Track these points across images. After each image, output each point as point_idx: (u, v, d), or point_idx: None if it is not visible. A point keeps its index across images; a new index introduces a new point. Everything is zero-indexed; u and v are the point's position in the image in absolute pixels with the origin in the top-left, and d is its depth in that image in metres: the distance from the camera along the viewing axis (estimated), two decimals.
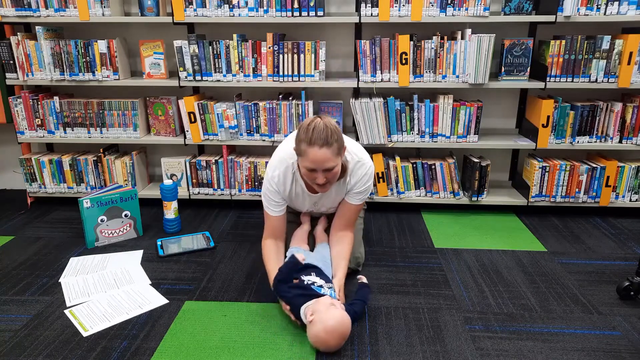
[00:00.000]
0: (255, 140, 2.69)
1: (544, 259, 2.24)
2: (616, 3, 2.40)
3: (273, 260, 1.91)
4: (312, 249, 2.04)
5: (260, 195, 2.75)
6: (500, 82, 2.55)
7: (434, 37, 2.48)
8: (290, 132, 2.61)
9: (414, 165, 2.66)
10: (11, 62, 2.67)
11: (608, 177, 2.61)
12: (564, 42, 2.45)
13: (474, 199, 2.70)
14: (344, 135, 1.84)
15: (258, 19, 2.49)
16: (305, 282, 1.72)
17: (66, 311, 1.84)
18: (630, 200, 2.68)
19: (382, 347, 1.63)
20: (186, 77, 2.61)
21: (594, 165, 2.62)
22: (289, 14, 2.47)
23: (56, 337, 1.69)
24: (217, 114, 2.66)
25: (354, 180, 1.94)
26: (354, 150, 1.94)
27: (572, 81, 2.51)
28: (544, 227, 2.59)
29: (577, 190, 2.65)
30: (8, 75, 2.69)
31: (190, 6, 2.49)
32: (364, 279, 1.89)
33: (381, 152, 2.67)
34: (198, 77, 2.61)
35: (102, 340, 1.67)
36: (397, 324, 1.75)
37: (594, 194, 2.66)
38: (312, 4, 2.45)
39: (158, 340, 1.67)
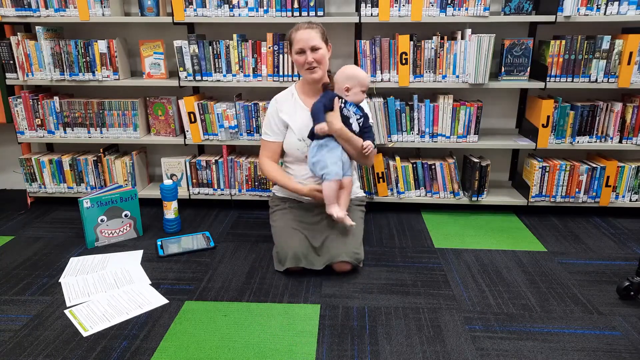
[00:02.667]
0: (255, 140, 2.69)
1: (544, 259, 2.24)
2: (616, 3, 2.40)
3: (279, 172, 2.21)
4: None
5: (260, 195, 2.77)
6: (500, 82, 2.55)
7: (434, 37, 2.48)
8: None
9: (414, 165, 2.66)
10: (11, 62, 2.67)
11: (608, 177, 2.61)
12: (564, 42, 2.45)
13: (474, 199, 2.70)
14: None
15: (258, 19, 2.49)
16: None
17: (66, 311, 1.84)
18: (630, 200, 2.68)
19: (382, 347, 1.63)
20: (186, 77, 2.61)
21: (594, 165, 2.62)
22: (289, 14, 2.47)
23: (56, 337, 1.69)
24: (217, 114, 2.66)
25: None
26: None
27: (572, 81, 2.51)
28: (544, 227, 2.59)
29: (577, 190, 2.65)
30: (8, 75, 2.69)
31: (190, 6, 2.49)
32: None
33: (381, 152, 2.67)
34: (198, 77, 2.61)
35: (102, 340, 1.67)
36: (397, 324, 1.75)
37: (594, 194, 2.66)
38: (312, 4, 2.45)
39: (158, 340, 1.67)
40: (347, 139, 2.07)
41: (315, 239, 2.08)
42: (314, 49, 2.03)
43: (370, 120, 2.18)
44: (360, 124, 2.11)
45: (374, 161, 2.28)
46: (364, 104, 2.18)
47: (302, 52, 2.05)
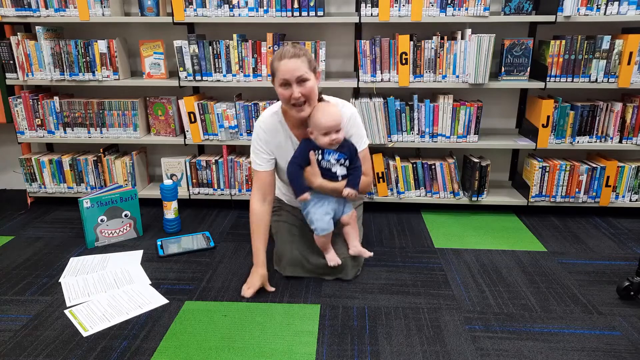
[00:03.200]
0: None
1: (544, 259, 2.24)
2: (616, 3, 2.40)
3: (261, 234, 1.97)
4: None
5: None
6: (500, 82, 2.55)
7: (434, 37, 2.48)
8: None
9: (414, 165, 2.66)
10: (11, 62, 2.67)
11: (608, 177, 2.61)
12: (564, 42, 2.45)
13: (474, 199, 2.70)
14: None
15: (258, 19, 2.49)
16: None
17: (66, 311, 1.84)
18: (630, 200, 2.68)
19: (382, 347, 1.63)
20: (186, 77, 2.61)
21: (594, 165, 2.62)
22: (289, 14, 2.47)
23: (56, 337, 1.69)
24: (217, 114, 2.66)
25: (347, 116, 1.92)
26: (335, 99, 1.97)
27: (572, 81, 2.51)
28: (544, 227, 2.59)
29: (577, 190, 2.65)
30: (8, 75, 2.69)
31: (190, 6, 2.49)
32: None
33: (381, 152, 2.67)
34: (198, 77, 2.61)
35: (102, 340, 1.67)
36: (397, 324, 1.75)
37: (594, 194, 2.66)
38: (312, 4, 2.45)
39: (158, 340, 1.67)
40: (330, 192, 1.93)
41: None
42: (300, 81, 1.76)
43: (364, 145, 1.99)
44: (347, 165, 1.93)
45: (370, 189, 2.12)
46: (354, 125, 1.95)
47: (286, 84, 1.77)
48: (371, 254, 2.00)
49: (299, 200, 1.92)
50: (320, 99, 1.90)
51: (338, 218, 2.01)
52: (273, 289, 1.96)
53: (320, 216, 1.94)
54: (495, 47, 2.49)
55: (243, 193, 2.78)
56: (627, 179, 2.63)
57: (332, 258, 1.99)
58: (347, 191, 1.91)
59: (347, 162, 1.93)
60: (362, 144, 1.98)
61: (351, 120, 1.94)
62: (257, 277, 1.95)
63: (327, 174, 1.92)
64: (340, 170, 1.93)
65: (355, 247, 2.00)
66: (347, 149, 1.92)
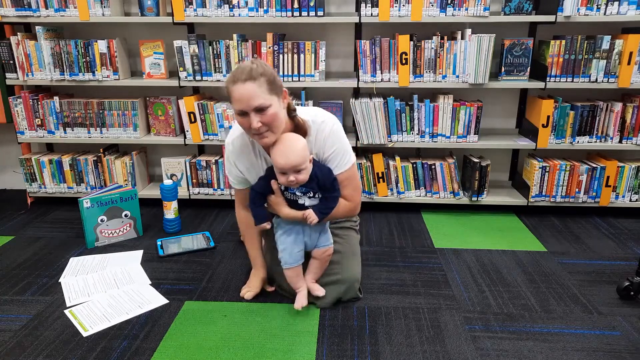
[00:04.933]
0: None
1: (544, 259, 2.24)
2: (616, 3, 2.40)
3: (254, 238, 1.91)
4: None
5: None
6: (500, 82, 2.55)
7: (434, 37, 2.48)
8: None
9: (414, 165, 2.66)
10: (11, 62, 2.67)
11: (608, 177, 2.61)
12: (564, 42, 2.45)
13: (474, 199, 2.70)
14: (316, 108, 1.76)
15: (258, 19, 2.49)
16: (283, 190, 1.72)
17: (66, 311, 1.84)
18: (630, 200, 2.68)
19: (382, 347, 1.63)
20: (186, 77, 2.61)
21: (594, 165, 2.62)
22: (289, 14, 2.47)
23: (56, 337, 1.69)
24: (217, 114, 2.65)
25: (323, 135, 1.68)
26: (313, 112, 1.73)
27: (572, 81, 2.51)
28: (544, 227, 2.59)
29: (577, 190, 2.65)
30: (8, 75, 2.69)
31: (190, 6, 2.49)
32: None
33: (381, 152, 2.67)
34: (198, 77, 2.61)
35: (102, 340, 1.67)
36: (397, 324, 1.75)
37: (594, 194, 2.66)
38: (312, 4, 2.45)
39: (158, 340, 1.67)
40: (300, 221, 1.72)
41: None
42: (259, 110, 1.52)
43: (345, 168, 1.72)
44: (318, 197, 1.71)
45: (353, 214, 1.85)
46: (334, 144, 1.70)
47: (243, 113, 1.54)
48: (322, 293, 1.81)
49: (259, 228, 1.79)
50: (292, 116, 1.68)
51: (311, 249, 1.81)
52: (273, 289, 1.96)
53: (288, 246, 1.76)
54: (495, 47, 2.49)
55: None
56: (627, 179, 2.63)
57: (300, 299, 1.79)
58: (307, 213, 1.68)
59: (317, 195, 1.71)
60: (343, 165, 1.72)
61: (330, 138, 1.69)
62: (256, 280, 1.94)
63: (294, 205, 1.72)
64: (308, 202, 1.71)
65: (310, 281, 1.83)
66: (314, 183, 1.67)
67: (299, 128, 1.69)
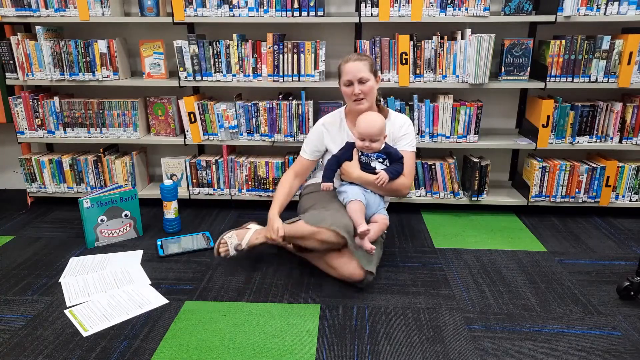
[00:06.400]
0: (255, 140, 2.69)
1: (544, 259, 2.24)
2: (616, 3, 2.40)
3: (281, 190, 2.16)
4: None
5: (260, 195, 2.78)
6: (500, 82, 2.55)
7: (434, 37, 2.48)
8: (290, 132, 2.64)
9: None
10: (11, 62, 2.67)
11: (608, 177, 2.61)
12: (564, 42, 2.45)
13: (474, 199, 2.70)
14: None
15: (258, 19, 2.49)
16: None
17: (66, 311, 1.84)
18: (630, 200, 2.68)
19: (382, 347, 1.63)
20: (186, 77, 2.61)
21: (594, 165, 2.62)
22: (289, 14, 2.47)
23: (56, 337, 1.69)
24: (217, 114, 2.66)
25: (399, 123, 2.14)
26: (396, 113, 2.22)
27: (572, 81, 2.51)
28: (544, 227, 2.59)
29: (577, 190, 2.65)
30: (8, 75, 2.69)
31: (190, 6, 2.49)
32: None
33: None
34: (198, 77, 2.61)
35: (102, 340, 1.67)
36: (397, 324, 1.75)
37: (594, 194, 2.66)
38: (312, 4, 2.45)
39: (158, 340, 1.67)
40: (367, 184, 2.04)
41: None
42: (361, 81, 2.02)
43: (411, 149, 2.12)
44: (387, 164, 2.05)
45: (407, 192, 2.16)
46: (406, 132, 2.12)
47: (350, 83, 2.04)
48: (374, 250, 1.93)
49: (322, 188, 2.07)
50: (377, 103, 2.16)
51: (370, 216, 2.03)
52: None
53: (351, 190, 2.02)
54: (495, 47, 2.49)
55: (243, 193, 2.78)
56: (627, 179, 2.63)
57: (363, 227, 1.90)
58: (379, 174, 2.00)
59: (386, 162, 2.05)
60: (410, 146, 2.13)
61: (404, 125, 2.14)
62: (276, 221, 2.01)
63: (367, 167, 2.04)
64: (379, 166, 2.04)
65: (368, 237, 1.94)
66: (384, 152, 2.04)
67: (382, 111, 2.16)
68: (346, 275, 1.96)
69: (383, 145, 2.04)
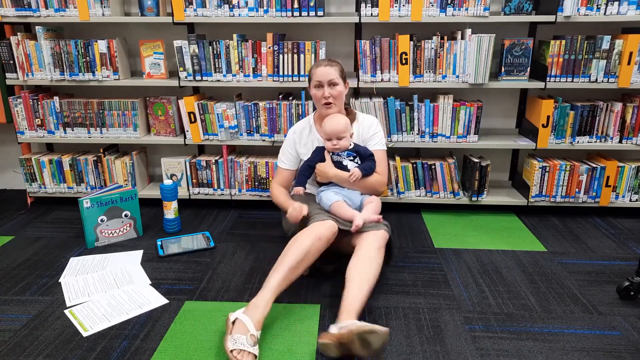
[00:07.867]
0: (255, 140, 2.69)
1: (544, 259, 2.24)
2: (616, 3, 2.40)
3: (282, 196, 2.19)
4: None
5: (260, 195, 2.78)
6: (500, 82, 2.55)
7: (434, 37, 2.48)
8: None
9: (414, 165, 2.66)
10: (11, 62, 2.67)
11: (608, 177, 2.61)
12: (564, 42, 2.45)
13: (474, 199, 2.70)
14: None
15: (258, 19, 2.49)
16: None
17: (66, 311, 1.84)
18: (630, 200, 2.68)
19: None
20: (186, 77, 2.61)
21: (594, 165, 2.62)
22: (289, 14, 2.47)
23: (56, 337, 1.69)
24: (217, 114, 2.66)
25: (367, 124, 2.19)
26: (363, 114, 2.27)
27: (572, 81, 2.51)
28: (544, 227, 2.59)
29: (577, 190, 2.65)
30: (8, 75, 2.69)
31: (190, 6, 2.49)
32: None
33: None
34: (198, 77, 2.61)
35: (102, 340, 1.67)
36: (397, 324, 1.75)
37: (594, 194, 2.66)
38: (312, 4, 2.45)
39: (158, 340, 1.67)
40: (344, 181, 2.08)
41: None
42: (331, 84, 2.07)
43: (382, 147, 2.17)
44: (358, 162, 2.11)
45: (383, 189, 2.21)
46: (374, 132, 2.18)
47: (319, 86, 2.08)
48: (379, 217, 1.95)
49: (294, 192, 2.13)
50: (346, 107, 2.21)
51: (358, 206, 2.06)
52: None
53: (326, 195, 2.05)
54: (495, 47, 2.49)
55: (243, 193, 2.78)
56: (627, 179, 2.63)
57: (356, 219, 1.91)
58: (353, 169, 2.05)
59: (357, 160, 2.11)
60: (380, 145, 2.18)
61: (373, 125, 2.20)
62: (294, 203, 2.02)
63: (339, 166, 2.09)
64: (350, 164, 2.09)
65: (366, 215, 1.96)
66: (354, 151, 2.11)
67: (350, 114, 2.21)
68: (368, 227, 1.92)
69: (352, 145, 2.12)
